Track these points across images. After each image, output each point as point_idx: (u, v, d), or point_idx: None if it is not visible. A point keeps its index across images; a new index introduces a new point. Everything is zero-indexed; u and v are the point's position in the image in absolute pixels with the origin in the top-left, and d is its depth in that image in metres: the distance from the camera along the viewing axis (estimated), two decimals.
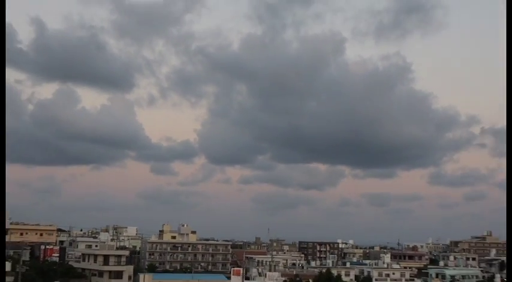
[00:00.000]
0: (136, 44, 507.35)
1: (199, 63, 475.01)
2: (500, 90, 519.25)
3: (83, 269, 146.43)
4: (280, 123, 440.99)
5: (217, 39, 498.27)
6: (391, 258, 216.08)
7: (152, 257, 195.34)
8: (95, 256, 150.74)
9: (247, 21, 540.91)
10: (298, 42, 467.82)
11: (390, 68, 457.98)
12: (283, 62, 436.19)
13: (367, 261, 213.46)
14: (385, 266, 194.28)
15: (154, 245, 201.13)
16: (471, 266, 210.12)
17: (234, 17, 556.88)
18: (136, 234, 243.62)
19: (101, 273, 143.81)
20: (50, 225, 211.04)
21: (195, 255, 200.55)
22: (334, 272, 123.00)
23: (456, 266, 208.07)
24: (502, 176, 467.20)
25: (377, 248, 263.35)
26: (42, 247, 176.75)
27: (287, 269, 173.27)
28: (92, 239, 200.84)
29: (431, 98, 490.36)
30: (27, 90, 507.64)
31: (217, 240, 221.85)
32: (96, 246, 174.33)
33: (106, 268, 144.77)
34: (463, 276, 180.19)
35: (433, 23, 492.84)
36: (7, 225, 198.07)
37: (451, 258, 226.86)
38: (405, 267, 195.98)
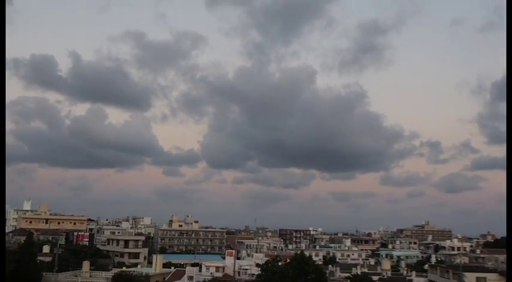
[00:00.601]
0: (152, 73, 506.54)
1: (201, 88, 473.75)
2: (434, 111, 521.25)
3: (108, 251, 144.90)
4: (264, 136, 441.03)
5: (216, 70, 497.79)
6: (351, 242, 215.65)
7: (163, 241, 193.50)
8: (118, 241, 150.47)
9: (239, 57, 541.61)
10: (279, 73, 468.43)
11: (350, 94, 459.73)
12: (267, 88, 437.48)
13: (332, 245, 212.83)
14: (346, 248, 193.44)
15: (165, 232, 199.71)
16: (413, 249, 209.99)
17: (230, 53, 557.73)
18: (150, 223, 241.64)
19: (122, 254, 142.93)
20: (82, 216, 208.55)
21: (197, 240, 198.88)
22: (307, 253, 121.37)
23: (401, 248, 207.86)
24: (437, 178, 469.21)
25: (340, 234, 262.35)
26: (75, 233, 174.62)
27: (269, 251, 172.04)
28: (115, 227, 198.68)
29: (382, 118, 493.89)
30: (65, 108, 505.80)
31: (215, 228, 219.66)
32: (119, 232, 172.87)
33: (126, 250, 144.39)
34: (406, 256, 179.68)
35: (383, 60, 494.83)
36: (47, 216, 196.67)
37: (397, 242, 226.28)
38: (362, 249, 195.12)
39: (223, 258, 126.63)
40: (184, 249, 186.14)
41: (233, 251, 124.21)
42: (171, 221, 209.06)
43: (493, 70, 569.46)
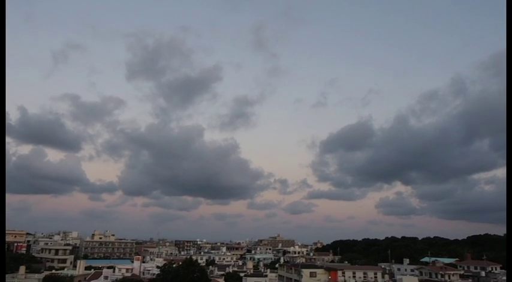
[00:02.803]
0: (83, 125, 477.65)
1: (120, 138, 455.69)
2: (283, 158, 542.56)
3: (41, 258, 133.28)
4: (166, 173, 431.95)
5: (132, 125, 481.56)
6: (226, 249, 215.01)
7: (87, 250, 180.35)
8: (49, 250, 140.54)
9: (150, 116, 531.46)
10: (178, 129, 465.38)
11: (227, 145, 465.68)
12: (169, 139, 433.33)
13: (213, 251, 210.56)
14: (223, 253, 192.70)
15: (88, 243, 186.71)
16: (268, 253, 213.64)
17: (142, 113, 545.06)
18: (77, 236, 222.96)
19: (52, 260, 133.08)
20: (21, 231, 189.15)
21: (113, 248, 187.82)
22: (194, 257, 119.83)
23: (260, 253, 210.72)
24: (285, 204, 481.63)
25: (219, 244, 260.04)
26: (15, 244, 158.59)
27: (167, 256, 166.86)
28: (48, 239, 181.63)
29: (249, 162, 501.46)
30: (12, 148, 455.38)
31: (127, 240, 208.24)
32: (51, 243, 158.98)
33: (56, 257, 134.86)
34: (264, 258, 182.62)
35: (250, 123, 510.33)
36: None
37: (258, 249, 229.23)
38: (233, 254, 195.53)
39: (132, 262, 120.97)
40: (103, 256, 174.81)
41: (140, 256, 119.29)
42: (93, 234, 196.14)
43: (321, 133, 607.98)
